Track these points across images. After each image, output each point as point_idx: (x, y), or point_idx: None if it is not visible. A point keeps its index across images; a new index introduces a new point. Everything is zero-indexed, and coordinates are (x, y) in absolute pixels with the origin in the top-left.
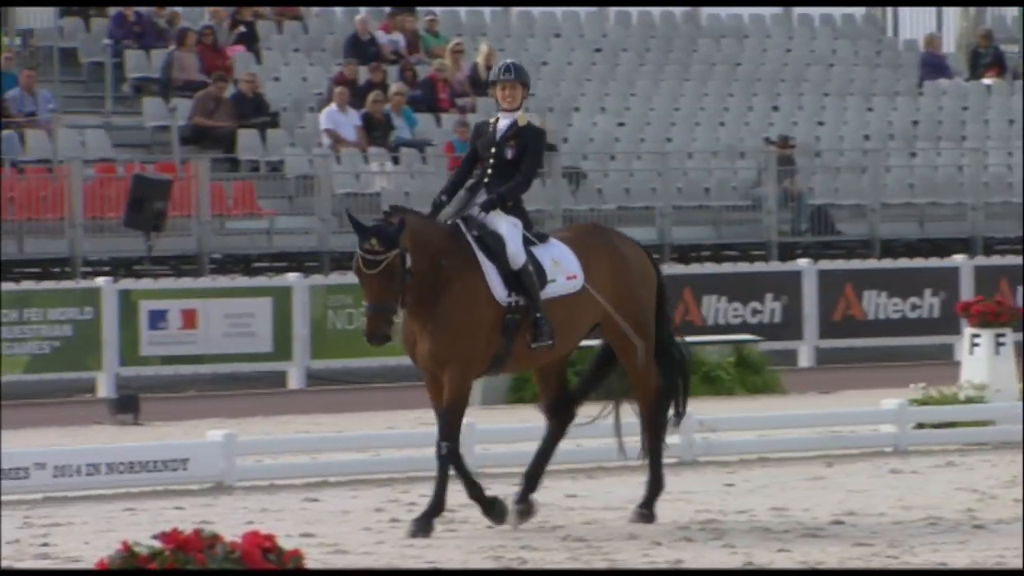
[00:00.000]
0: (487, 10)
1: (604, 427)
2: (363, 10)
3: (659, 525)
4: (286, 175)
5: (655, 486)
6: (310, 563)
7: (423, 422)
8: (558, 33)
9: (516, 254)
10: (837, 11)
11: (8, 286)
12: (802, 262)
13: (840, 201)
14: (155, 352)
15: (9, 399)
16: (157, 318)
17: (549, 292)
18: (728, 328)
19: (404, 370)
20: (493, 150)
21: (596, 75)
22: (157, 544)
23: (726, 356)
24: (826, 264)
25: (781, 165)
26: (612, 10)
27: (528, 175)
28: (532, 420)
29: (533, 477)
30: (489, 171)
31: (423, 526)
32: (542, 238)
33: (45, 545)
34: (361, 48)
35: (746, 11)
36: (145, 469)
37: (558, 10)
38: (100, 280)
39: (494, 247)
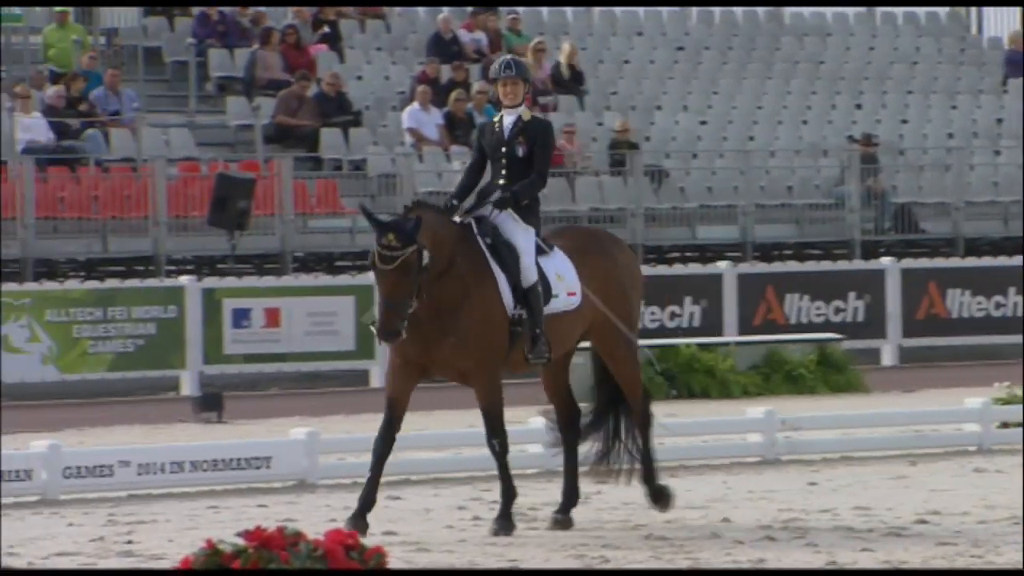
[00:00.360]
0: (569, 9)
1: (686, 426)
2: (446, 9)
3: (741, 524)
4: (368, 174)
5: (655, 486)
6: (392, 561)
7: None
8: (640, 32)
9: (529, 270)
10: (921, 9)
11: (93, 285)
12: (885, 260)
13: (923, 199)
14: (238, 350)
15: (94, 397)
16: (240, 316)
17: (551, 307)
18: (811, 327)
19: None
20: (503, 149)
21: (679, 73)
22: (241, 542)
23: (808, 355)
24: (909, 263)
25: (864, 163)
26: (695, 9)
27: (543, 172)
28: None
29: (572, 492)
30: (503, 171)
31: (504, 524)
32: (548, 247)
33: (129, 543)
34: (444, 47)
35: (829, 10)
36: (228, 467)
37: (640, 9)
38: (184, 279)
39: (507, 258)
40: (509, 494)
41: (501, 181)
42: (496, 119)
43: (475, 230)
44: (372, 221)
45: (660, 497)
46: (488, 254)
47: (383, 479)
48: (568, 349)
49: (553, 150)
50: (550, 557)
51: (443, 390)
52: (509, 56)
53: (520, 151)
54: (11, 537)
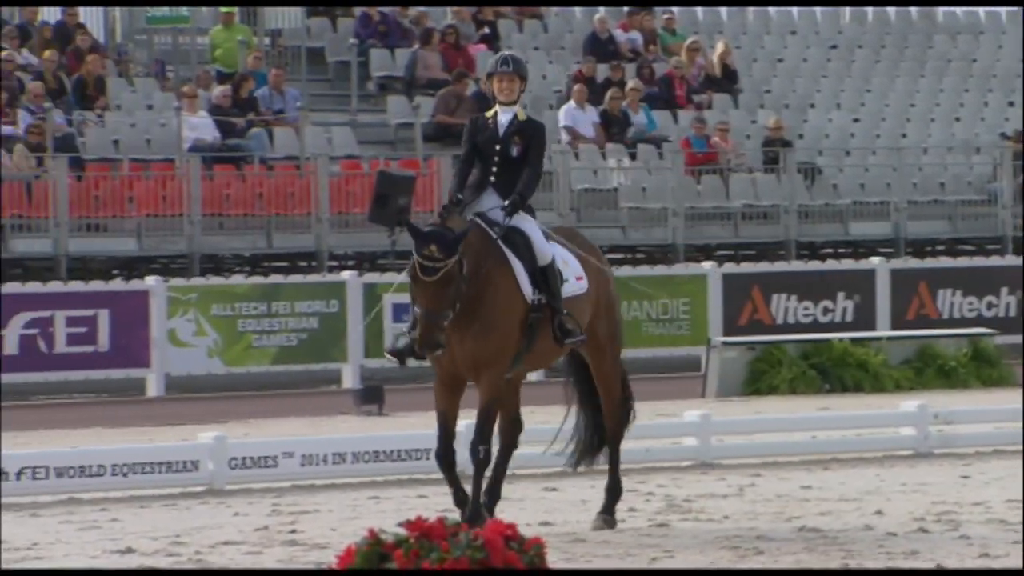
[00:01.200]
0: (724, 8)
1: (840, 419)
2: (602, 9)
3: (894, 516)
4: None
5: (616, 491)
6: (549, 551)
7: (660, 413)
8: (794, 31)
9: (543, 249)
10: None
11: (257, 280)
12: None
13: None
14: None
15: (258, 390)
16: (401, 311)
17: (564, 291)
18: (963, 322)
19: (642, 363)
20: (498, 147)
21: (832, 72)
22: (402, 531)
23: (961, 349)
24: None
25: (1017, 160)
26: (848, 8)
27: (537, 171)
28: (767, 411)
29: (491, 493)
30: (494, 168)
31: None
32: (547, 236)
33: (293, 532)
34: (600, 46)
35: (981, 9)
36: (389, 458)
37: (794, 8)
38: (345, 274)
39: (519, 244)
40: (476, 508)
41: (492, 179)
42: (489, 115)
43: (484, 226)
44: (413, 232)
45: (615, 493)
46: (503, 244)
47: (540, 471)
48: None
49: (545, 151)
50: (704, 549)
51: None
52: (507, 52)
53: (514, 151)
54: (178, 526)
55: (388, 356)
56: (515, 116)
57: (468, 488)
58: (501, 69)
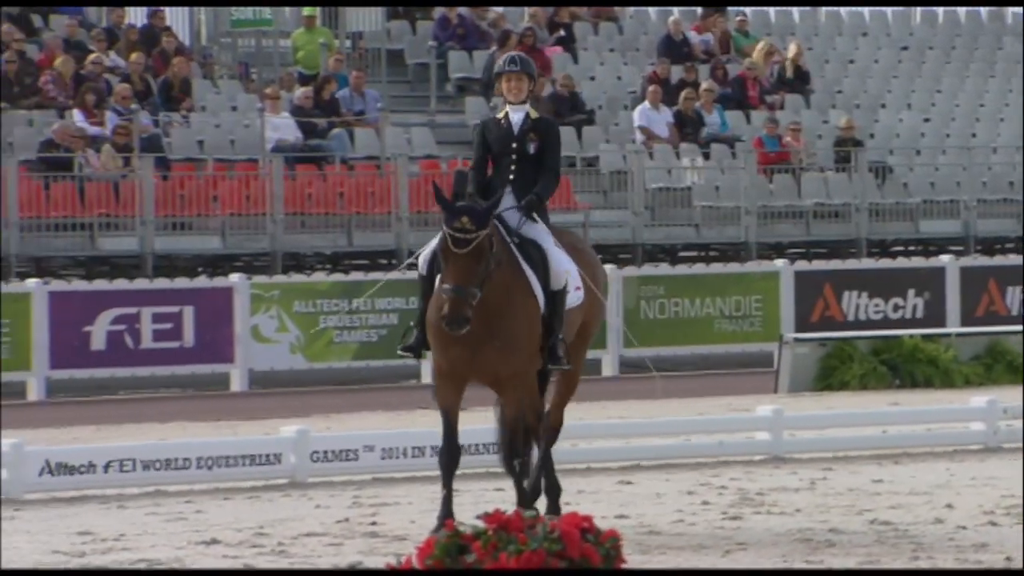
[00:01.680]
0: (796, 10)
1: (910, 414)
2: (676, 11)
3: (964, 510)
4: (601, 170)
5: (535, 494)
6: (624, 543)
7: (733, 408)
8: (865, 32)
9: (559, 274)
10: None
11: (338, 277)
12: None
13: None
14: None
15: (339, 384)
16: None
17: (567, 303)
18: None
19: (715, 359)
20: (514, 145)
21: (902, 72)
22: (480, 524)
23: None
24: None
25: None
26: (918, 9)
27: (556, 170)
28: (838, 406)
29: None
30: (512, 167)
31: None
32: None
33: (373, 524)
34: (674, 48)
35: None
36: (467, 452)
37: (865, 9)
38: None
39: (535, 257)
40: (532, 473)
41: (511, 177)
42: (501, 115)
43: (501, 230)
44: (443, 203)
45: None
46: (518, 254)
47: (616, 465)
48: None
49: (561, 148)
50: (777, 541)
51: (672, 379)
52: (515, 52)
53: (531, 148)
54: (261, 518)
55: (401, 352)
56: (527, 114)
57: (441, 498)
58: (509, 68)
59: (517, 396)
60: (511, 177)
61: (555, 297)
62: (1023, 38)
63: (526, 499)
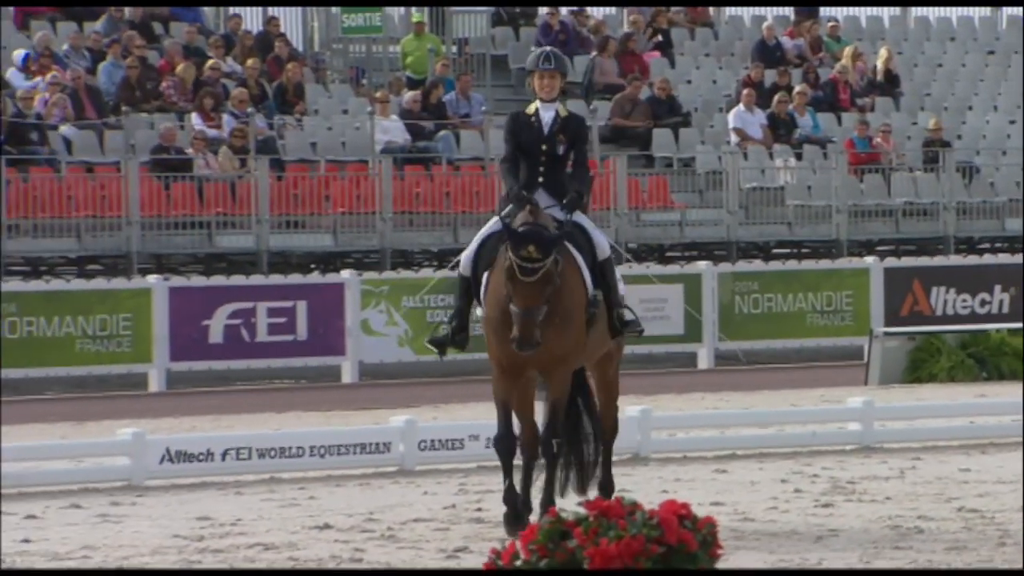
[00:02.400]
0: (886, 15)
1: (995, 405)
2: (770, 17)
3: None
4: (697, 171)
5: (608, 490)
6: (720, 530)
7: (825, 399)
8: (953, 36)
9: (602, 243)
10: None
11: (444, 273)
12: None
13: None
14: None
15: (446, 376)
16: None
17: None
18: None
19: (808, 352)
20: (544, 147)
21: (989, 76)
22: (582, 510)
23: None
24: None
25: None
26: (1005, 13)
27: (587, 167)
28: (927, 398)
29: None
30: (542, 168)
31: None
32: None
33: (479, 510)
34: (767, 52)
35: None
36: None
37: (953, 14)
38: None
39: (578, 238)
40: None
41: (541, 179)
42: (531, 111)
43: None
44: (510, 233)
45: (607, 491)
46: (566, 240)
47: (711, 454)
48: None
49: (588, 144)
50: (868, 527)
51: (766, 371)
52: (548, 48)
53: (561, 149)
54: (371, 504)
55: (428, 345)
56: (557, 113)
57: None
58: (543, 66)
59: (563, 379)
60: (541, 180)
61: (604, 267)
62: None
63: (554, 487)
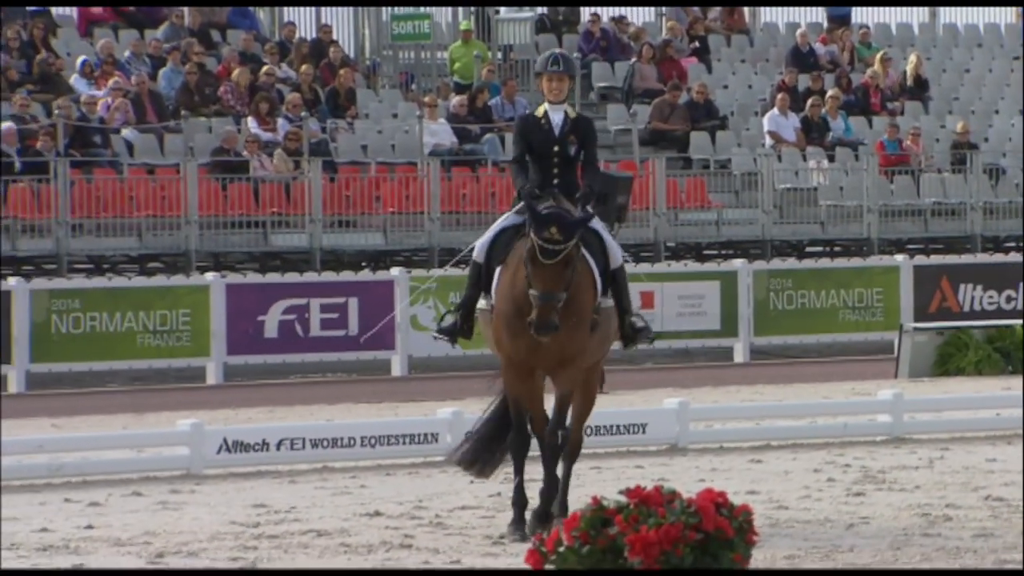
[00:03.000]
0: (916, 23)
1: (1020, 398)
2: (803, 24)
3: None
4: (733, 172)
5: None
6: (756, 517)
7: (856, 392)
8: (980, 43)
9: (616, 252)
10: None
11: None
12: None
13: None
14: None
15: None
16: None
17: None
18: None
19: (839, 346)
20: (556, 148)
21: (1014, 81)
22: (623, 499)
23: None
24: None
25: None
26: None
27: (598, 166)
28: (954, 391)
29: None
30: (555, 170)
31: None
32: None
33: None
34: (801, 58)
35: None
36: (609, 432)
37: (980, 22)
38: None
39: (593, 243)
40: (559, 490)
41: (554, 180)
42: (539, 114)
43: None
44: (532, 213)
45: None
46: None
47: (746, 444)
48: None
49: (597, 139)
50: (898, 515)
51: (800, 365)
52: (557, 50)
53: (571, 150)
54: (420, 492)
55: (436, 336)
56: (566, 114)
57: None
58: (551, 69)
59: (571, 376)
60: (555, 181)
61: (616, 275)
62: None
63: (552, 491)
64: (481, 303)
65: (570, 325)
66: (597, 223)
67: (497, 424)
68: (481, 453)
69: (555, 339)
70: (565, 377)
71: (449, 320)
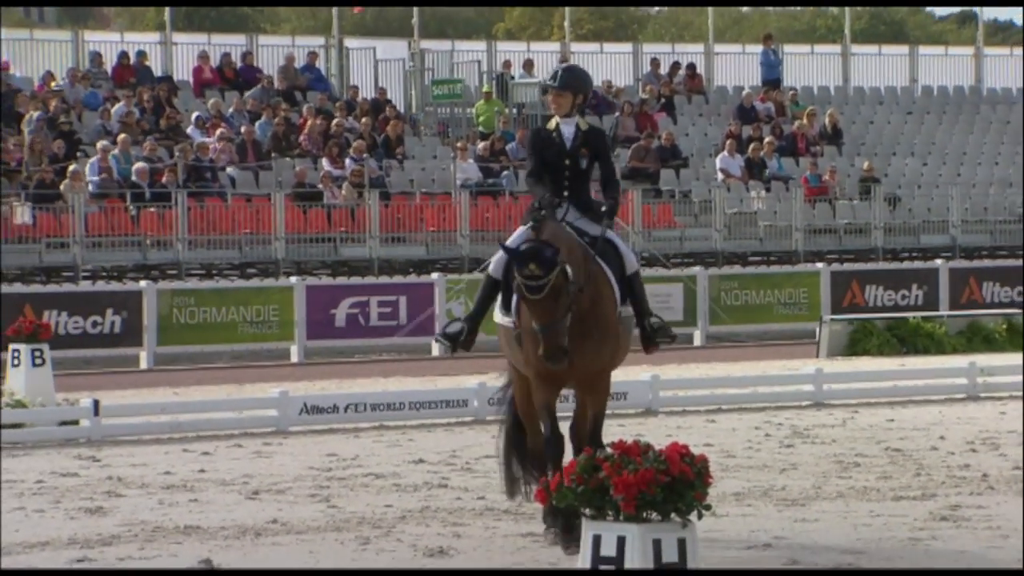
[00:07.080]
0: (832, 86)
1: (912, 372)
2: (747, 87)
3: (953, 441)
4: (693, 200)
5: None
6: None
7: (787, 368)
8: (881, 101)
9: (631, 259)
10: None
11: None
12: None
13: None
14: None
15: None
16: None
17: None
18: (999, 304)
19: (773, 333)
20: (567, 161)
21: (907, 130)
22: (608, 450)
23: (1000, 324)
24: None
25: None
26: (919, 83)
27: (615, 175)
28: (862, 367)
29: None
30: (567, 183)
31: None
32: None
33: None
34: (745, 113)
35: (1014, 87)
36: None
37: (882, 85)
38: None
39: (608, 252)
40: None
41: (566, 193)
42: (551, 127)
43: (578, 239)
44: (509, 251)
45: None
46: (594, 254)
47: (702, 407)
48: None
49: (611, 151)
50: (819, 462)
51: (736, 348)
52: (564, 65)
53: (583, 163)
54: (454, 445)
55: (439, 339)
56: (578, 127)
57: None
58: (549, 84)
59: (602, 391)
60: (567, 193)
61: (632, 280)
62: (1003, 104)
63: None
64: (504, 320)
65: (594, 339)
66: (611, 234)
67: (513, 440)
68: (517, 478)
69: (584, 355)
70: (599, 392)
71: (456, 327)
